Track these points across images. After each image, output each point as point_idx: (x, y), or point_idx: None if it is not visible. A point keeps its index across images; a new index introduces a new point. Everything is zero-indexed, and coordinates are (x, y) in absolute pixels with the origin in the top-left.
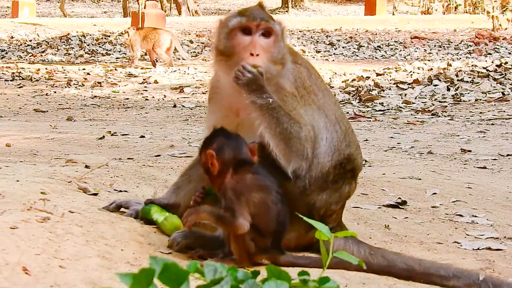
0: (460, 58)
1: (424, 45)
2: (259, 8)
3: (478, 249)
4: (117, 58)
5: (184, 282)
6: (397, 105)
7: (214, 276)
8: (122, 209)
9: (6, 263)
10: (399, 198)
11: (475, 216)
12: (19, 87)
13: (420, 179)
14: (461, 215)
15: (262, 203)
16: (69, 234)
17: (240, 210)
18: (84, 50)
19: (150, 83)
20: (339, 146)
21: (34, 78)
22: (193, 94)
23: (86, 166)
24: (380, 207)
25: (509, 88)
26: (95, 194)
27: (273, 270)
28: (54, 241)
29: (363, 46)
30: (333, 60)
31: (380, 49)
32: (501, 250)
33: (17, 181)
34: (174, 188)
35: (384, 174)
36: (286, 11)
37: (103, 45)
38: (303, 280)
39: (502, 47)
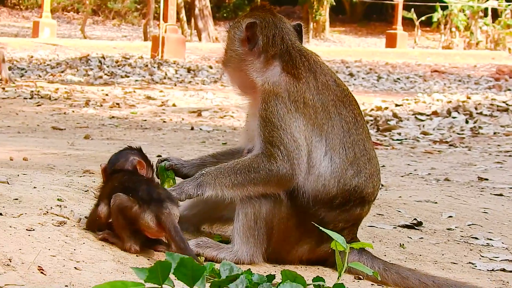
0: (480, 93)
1: (443, 79)
2: None
3: (493, 270)
4: (136, 80)
5: (200, 278)
6: (414, 135)
7: (229, 275)
8: None
9: (22, 262)
10: (415, 219)
11: (490, 239)
12: (38, 105)
13: (436, 202)
14: (476, 238)
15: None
16: (84, 238)
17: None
18: (103, 72)
19: (168, 106)
20: (343, 174)
21: (53, 97)
22: (211, 118)
23: None
24: (395, 227)
25: None
26: None
27: (288, 273)
28: (70, 244)
29: (383, 78)
30: (352, 91)
31: (399, 81)
32: None
33: (34, 187)
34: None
35: (400, 197)
36: (307, 41)
37: (122, 67)
38: (318, 286)
39: None
